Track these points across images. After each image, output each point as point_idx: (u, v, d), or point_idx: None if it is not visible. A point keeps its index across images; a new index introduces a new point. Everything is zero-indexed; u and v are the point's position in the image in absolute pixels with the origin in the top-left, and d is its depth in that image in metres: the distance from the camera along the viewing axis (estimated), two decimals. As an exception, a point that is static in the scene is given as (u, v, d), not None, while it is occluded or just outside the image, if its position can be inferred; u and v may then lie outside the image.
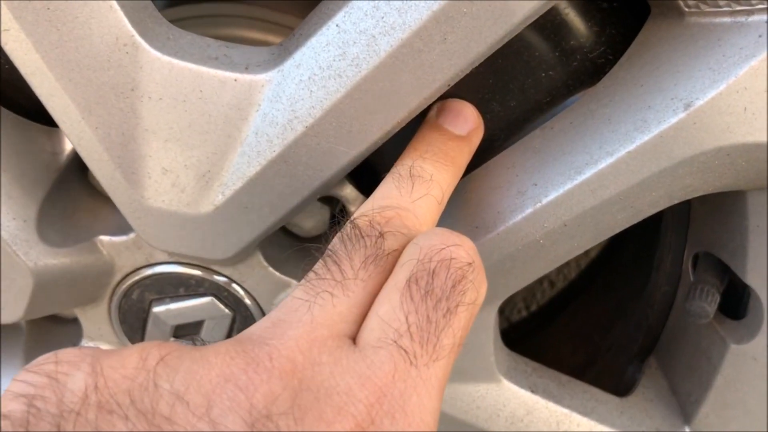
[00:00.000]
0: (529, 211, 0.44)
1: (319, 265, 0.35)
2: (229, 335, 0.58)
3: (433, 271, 0.32)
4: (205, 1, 0.53)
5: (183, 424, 0.27)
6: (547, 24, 0.45)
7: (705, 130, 0.39)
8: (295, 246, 0.56)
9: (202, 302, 0.56)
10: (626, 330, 0.68)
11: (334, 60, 0.40)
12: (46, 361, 0.30)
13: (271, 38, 0.53)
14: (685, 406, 0.58)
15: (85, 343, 0.61)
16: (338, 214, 0.55)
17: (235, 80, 0.41)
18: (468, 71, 0.40)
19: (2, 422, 0.27)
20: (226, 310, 0.56)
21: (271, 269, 0.53)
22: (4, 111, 0.52)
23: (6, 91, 0.51)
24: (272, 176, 0.43)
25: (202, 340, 0.33)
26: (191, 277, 0.55)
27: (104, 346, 0.61)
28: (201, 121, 0.42)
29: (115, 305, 0.58)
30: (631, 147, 0.41)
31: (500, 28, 0.37)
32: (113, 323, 0.59)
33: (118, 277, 0.56)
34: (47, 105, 0.43)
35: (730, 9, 0.39)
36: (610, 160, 0.41)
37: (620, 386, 0.62)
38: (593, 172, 0.42)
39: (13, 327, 0.65)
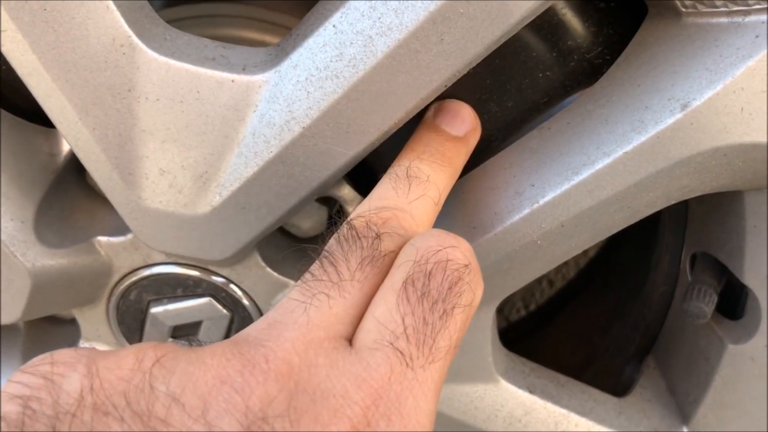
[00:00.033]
0: (526, 211, 0.44)
1: (315, 266, 0.34)
2: (227, 336, 0.58)
3: (430, 273, 0.32)
4: (202, 1, 0.53)
5: (179, 426, 0.27)
6: (544, 24, 0.45)
7: (702, 130, 0.39)
8: (292, 246, 0.56)
9: (200, 303, 0.56)
10: (624, 330, 0.68)
11: (331, 61, 0.39)
12: (41, 362, 0.30)
13: (268, 38, 0.53)
14: (683, 406, 0.58)
15: (83, 343, 0.61)
16: (335, 214, 0.55)
17: (232, 81, 0.41)
18: (465, 72, 0.40)
19: (-2, 424, 0.27)
20: (224, 311, 0.56)
21: (268, 269, 0.53)
22: (2, 112, 0.52)
23: (3, 91, 0.51)
24: (269, 177, 0.43)
25: (199, 341, 0.33)
26: (189, 277, 0.55)
27: (102, 347, 0.61)
28: (198, 122, 0.42)
29: (113, 306, 0.58)
30: (628, 147, 0.41)
31: (497, 28, 0.37)
32: (111, 324, 0.59)
33: (115, 277, 0.56)
34: (44, 106, 0.43)
35: (727, 9, 0.39)
36: (607, 161, 0.41)
37: (618, 386, 0.62)
38: (590, 173, 0.42)
39: (11, 327, 0.65)
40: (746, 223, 0.47)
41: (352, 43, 0.39)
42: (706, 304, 0.50)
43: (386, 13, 0.38)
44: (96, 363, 0.29)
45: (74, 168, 0.56)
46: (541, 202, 0.44)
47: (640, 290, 0.65)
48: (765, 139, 0.39)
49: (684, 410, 0.58)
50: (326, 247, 0.35)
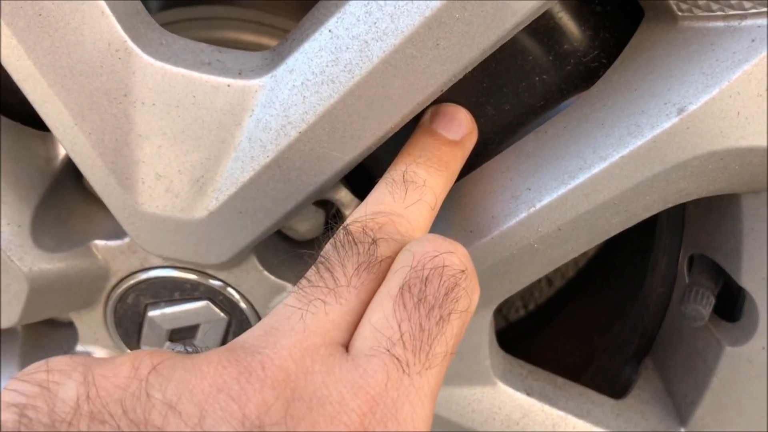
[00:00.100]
0: (523, 215, 0.44)
1: (311, 272, 0.34)
2: (224, 339, 0.58)
3: (426, 279, 0.32)
4: (198, 4, 0.53)
5: (175, 434, 0.27)
6: (541, 28, 0.45)
7: (698, 134, 0.39)
8: (290, 250, 0.56)
9: (197, 306, 0.56)
10: (623, 331, 0.68)
11: (326, 65, 0.39)
12: (37, 369, 0.30)
13: (265, 41, 0.53)
14: (680, 407, 0.58)
15: (81, 347, 0.61)
16: (332, 218, 0.55)
17: (228, 86, 0.41)
18: (461, 76, 0.40)
19: (-6, 433, 0.27)
20: (222, 314, 0.56)
21: (266, 273, 0.53)
22: (-2, 116, 0.52)
23: (-1, 95, 0.51)
24: (266, 181, 0.43)
25: (195, 346, 0.33)
26: (186, 281, 0.55)
27: (100, 351, 0.61)
28: (194, 127, 0.42)
29: (110, 309, 0.58)
30: (625, 151, 0.41)
31: (493, 33, 0.37)
32: (109, 327, 0.59)
33: (113, 281, 0.56)
34: (40, 111, 0.43)
35: (723, 13, 0.38)
36: (603, 165, 0.41)
37: (616, 387, 0.63)
38: (587, 177, 0.42)
39: (9, 331, 0.65)
40: (743, 226, 0.47)
41: (348, 47, 0.39)
42: (704, 306, 0.50)
43: (382, 18, 0.38)
44: (92, 371, 0.29)
45: (71, 172, 0.56)
46: (538, 205, 0.44)
47: (638, 291, 0.65)
48: (761, 143, 0.39)
49: (682, 412, 0.58)
50: (322, 253, 0.35)
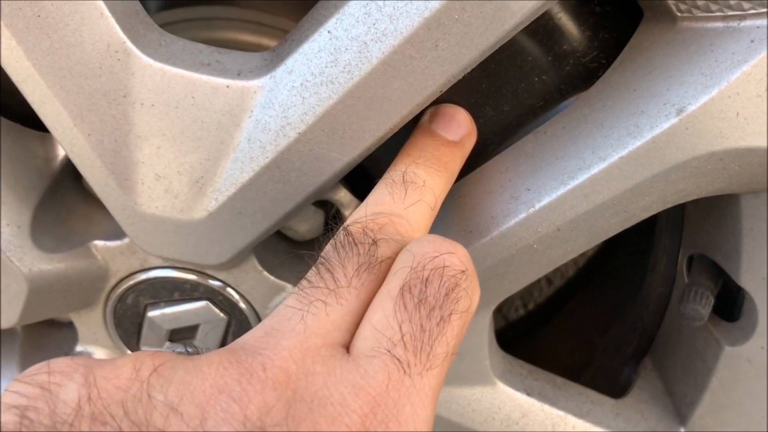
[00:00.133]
0: (522, 215, 0.44)
1: (312, 273, 0.34)
2: (224, 339, 0.58)
3: (427, 279, 0.32)
4: (198, 4, 0.53)
5: (177, 436, 0.27)
6: (540, 28, 0.45)
7: (697, 135, 0.39)
8: (289, 250, 0.56)
9: (197, 306, 0.56)
10: (622, 331, 0.68)
11: (326, 66, 0.39)
12: (38, 371, 0.30)
13: (264, 41, 0.53)
14: (680, 407, 0.58)
15: (81, 347, 0.61)
16: (332, 218, 0.55)
17: (228, 87, 0.41)
18: (460, 77, 0.40)
19: (-5, 434, 0.27)
20: (221, 315, 0.56)
21: (265, 273, 0.53)
22: (-3, 117, 0.52)
23: (-2, 96, 0.51)
24: (265, 182, 0.43)
25: (195, 347, 0.33)
26: (186, 281, 0.55)
27: (99, 351, 0.61)
28: (194, 128, 0.42)
29: (110, 310, 0.58)
30: (624, 152, 0.41)
31: (492, 34, 0.37)
32: (108, 328, 0.59)
33: (112, 281, 0.56)
34: (39, 112, 0.43)
35: (723, 14, 0.39)
36: (602, 165, 0.41)
37: (616, 387, 0.63)
38: (586, 177, 0.42)
39: (9, 332, 0.65)
40: (743, 226, 0.47)
41: (347, 48, 0.39)
42: (703, 306, 0.50)
43: (381, 19, 0.38)
44: (93, 372, 0.29)
45: (70, 172, 0.56)
46: (537, 206, 0.44)
47: (638, 291, 0.65)
48: (760, 144, 0.39)
49: (681, 411, 0.58)
50: (323, 254, 0.35)
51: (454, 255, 0.34)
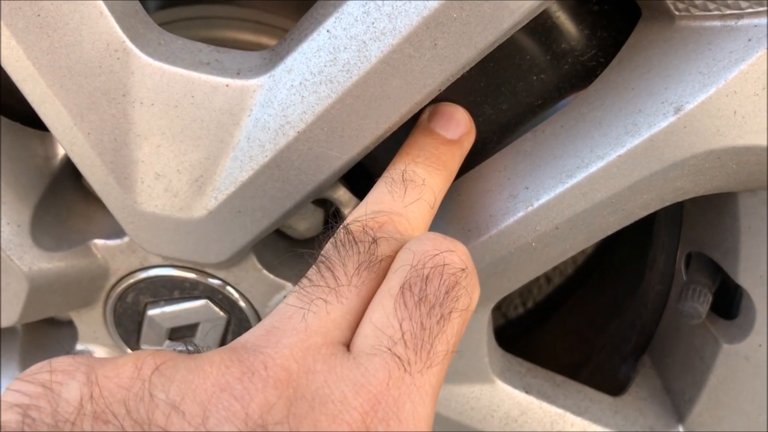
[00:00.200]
0: (520, 214, 0.44)
1: (312, 272, 0.34)
2: (224, 338, 0.58)
3: (427, 277, 0.32)
4: (197, 3, 0.53)
5: (178, 434, 0.27)
6: (539, 27, 0.45)
7: (695, 133, 0.39)
8: (289, 248, 0.56)
9: (196, 305, 0.56)
10: (621, 329, 0.68)
11: (325, 65, 0.40)
12: (40, 370, 0.30)
13: (264, 40, 0.53)
14: (678, 405, 0.58)
15: (81, 346, 0.61)
16: (331, 217, 0.55)
17: (227, 85, 0.41)
18: (459, 76, 0.40)
19: (-3, 433, 0.27)
20: (221, 313, 0.56)
21: (265, 272, 0.54)
22: (-3, 116, 0.52)
23: (-2, 96, 0.51)
24: (265, 181, 0.43)
25: (196, 346, 0.33)
26: (186, 280, 0.55)
27: (99, 349, 0.61)
28: (193, 127, 0.42)
29: (110, 308, 0.58)
30: (622, 150, 0.41)
31: (490, 33, 0.37)
32: (108, 326, 0.59)
33: (112, 280, 0.56)
34: (39, 111, 0.43)
35: (720, 13, 0.39)
36: (601, 164, 0.41)
37: (614, 385, 0.63)
38: (584, 176, 0.42)
39: (9, 330, 0.65)
40: (740, 224, 0.47)
41: (346, 47, 0.39)
42: (701, 304, 0.50)
43: (380, 18, 0.38)
44: (95, 371, 0.29)
45: (70, 171, 0.56)
46: (536, 204, 0.44)
47: (636, 289, 0.66)
48: (758, 142, 0.39)
49: (679, 409, 0.58)
50: (323, 252, 0.35)
51: (454, 253, 0.34)
